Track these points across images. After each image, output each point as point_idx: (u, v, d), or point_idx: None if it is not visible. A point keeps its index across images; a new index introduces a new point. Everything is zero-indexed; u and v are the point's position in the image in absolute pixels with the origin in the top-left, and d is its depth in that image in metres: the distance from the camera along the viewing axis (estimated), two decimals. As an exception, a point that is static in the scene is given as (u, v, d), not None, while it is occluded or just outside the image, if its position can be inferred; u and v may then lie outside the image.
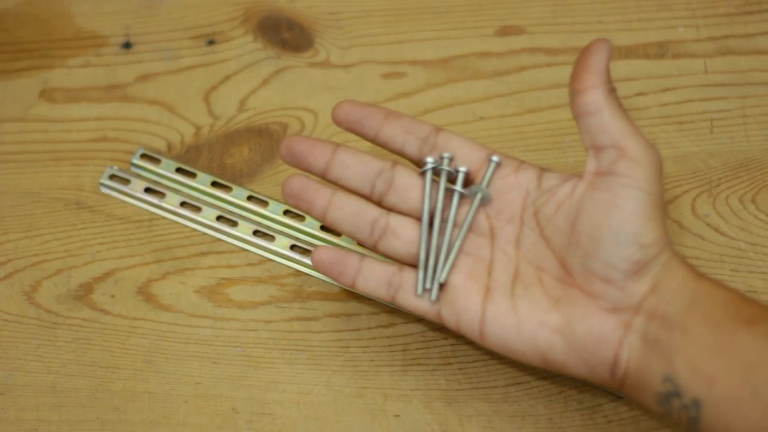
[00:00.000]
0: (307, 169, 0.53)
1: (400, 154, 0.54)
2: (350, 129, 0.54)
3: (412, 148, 0.53)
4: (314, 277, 0.60)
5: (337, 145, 0.53)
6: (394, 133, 0.53)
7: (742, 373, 0.44)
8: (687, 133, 0.64)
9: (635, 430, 0.55)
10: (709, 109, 0.64)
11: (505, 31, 0.67)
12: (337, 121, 0.53)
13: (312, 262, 0.53)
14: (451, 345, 0.58)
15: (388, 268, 0.52)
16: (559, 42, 0.67)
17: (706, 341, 0.46)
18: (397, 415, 0.56)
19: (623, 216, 0.48)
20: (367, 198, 0.53)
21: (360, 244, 0.56)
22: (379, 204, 0.53)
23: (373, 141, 0.54)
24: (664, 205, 0.49)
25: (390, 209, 0.53)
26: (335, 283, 0.59)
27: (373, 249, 0.53)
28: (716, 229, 0.60)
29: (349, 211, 0.53)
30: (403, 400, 0.57)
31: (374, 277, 0.52)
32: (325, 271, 0.52)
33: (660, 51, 0.66)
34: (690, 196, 0.61)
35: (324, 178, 0.53)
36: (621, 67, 0.65)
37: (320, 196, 0.53)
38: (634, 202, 0.48)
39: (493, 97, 0.65)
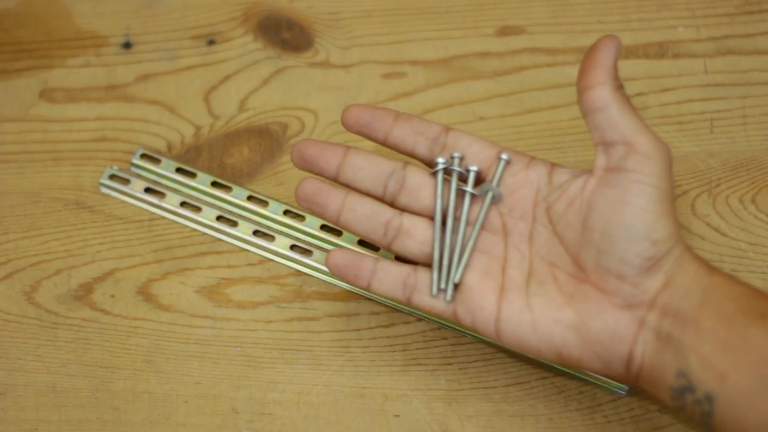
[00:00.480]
0: (318, 173, 0.54)
1: (411, 155, 0.54)
2: (360, 133, 0.54)
3: (422, 148, 0.54)
4: (314, 277, 0.60)
5: (348, 147, 0.54)
6: (404, 134, 0.54)
7: (754, 369, 0.45)
8: (687, 133, 0.64)
9: (635, 429, 0.55)
10: (709, 109, 0.64)
11: (505, 31, 0.67)
12: (346, 126, 0.54)
13: (327, 265, 0.53)
14: (451, 345, 0.58)
15: (403, 269, 0.53)
16: (559, 42, 0.67)
17: (719, 336, 0.46)
18: (397, 415, 0.56)
19: (634, 212, 0.48)
20: (380, 199, 0.54)
21: (374, 245, 0.57)
22: (392, 205, 0.54)
23: (384, 143, 0.54)
24: (674, 200, 0.49)
25: (403, 209, 0.54)
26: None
27: (388, 249, 0.54)
28: (716, 229, 0.60)
29: (362, 212, 0.53)
30: (403, 400, 0.57)
31: (389, 278, 0.52)
32: (340, 274, 0.53)
33: (660, 51, 0.66)
34: (690, 196, 0.61)
35: (336, 180, 0.54)
36: (621, 67, 0.65)
37: (333, 198, 0.53)
38: (644, 197, 0.48)
39: (493, 97, 0.65)
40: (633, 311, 0.48)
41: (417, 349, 0.58)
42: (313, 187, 0.53)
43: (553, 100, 0.65)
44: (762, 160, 0.62)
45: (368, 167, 0.53)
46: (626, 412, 0.56)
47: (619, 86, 0.50)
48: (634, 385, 0.53)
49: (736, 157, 0.63)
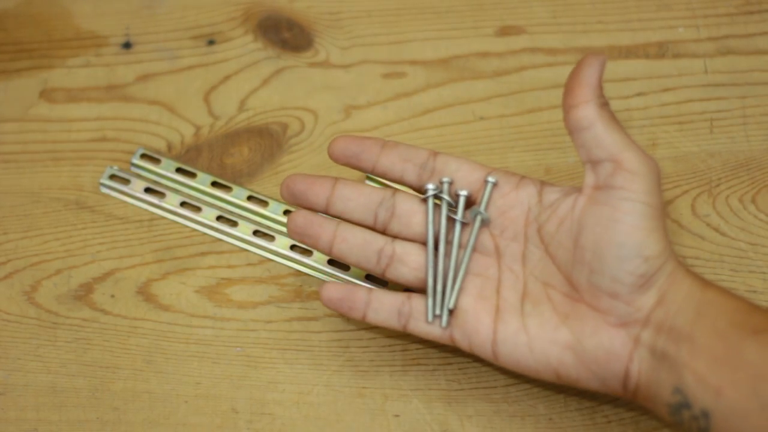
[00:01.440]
0: (308, 207, 0.54)
1: (400, 182, 0.54)
2: (348, 164, 0.54)
3: (411, 175, 0.54)
4: (314, 277, 0.60)
5: (336, 179, 0.54)
6: (392, 162, 0.54)
7: (750, 385, 0.45)
8: (687, 133, 0.64)
9: (635, 430, 0.55)
10: (709, 109, 0.64)
11: (505, 31, 0.67)
12: (333, 158, 0.54)
13: (321, 299, 0.53)
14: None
15: (397, 298, 0.53)
16: (559, 42, 0.67)
17: (714, 352, 0.46)
18: (397, 415, 0.56)
19: (625, 230, 0.48)
20: (371, 228, 0.54)
21: (368, 273, 0.57)
22: (383, 232, 0.54)
23: (372, 173, 0.55)
24: (664, 216, 0.49)
25: (394, 237, 0.54)
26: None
27: (382, 277, 0.54)
28: (716, 229, 0.60)
29: (354, 242, 0.53)
30: (403, 400, 0.57)
31: (384, 308, 0.53)
32: (334, 307, 0.53)
33: (660, 51, 0.66)
34: (690, 196, 0.61)
35: (327, 213, 0.54)
36: (621, 67, 0.65)
37: (325, 230, 0.53)
38: (634, 215, 0.48)
39: (493, 97, 0.65)
40: (628, 329, 0.48)
41: (417, 349, 0.58)
42: (304, 219, 0.53)
43: (553, 100, 0.65)
44: (762, 160, 0.62)
45: (357, 197, 0.54)
46: (626, 412, 0.56)
47: (604, 104, 0.49)
48: (631, 403, 0.53)
49: (736, 157, 0.63)
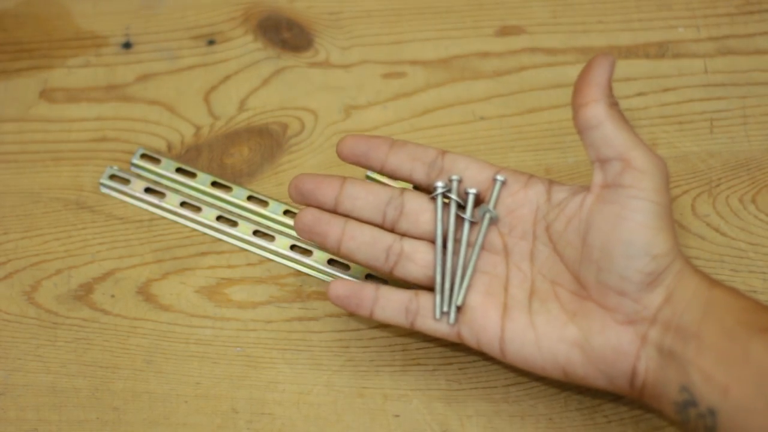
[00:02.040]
0: (317, 206, 0.54)
1: (409, 181, 0.55)
2: (356, 163, 0.54)
3: (420, 174, 0.54)
4: (314, 277, 0.60)
5: (344, 178, 0.54)
6: (401, 161, 0.54)
7: (756, 383, 0.45)
8: (687, 133, 0.64)
9: (635, 430, 0.55)
10: (709, 109, 0.64)
11: (505, 31, 0.67)
12: (342, 157, 0.54)
13: (328, 297, 0.53)
14: (451, 345, 0.58)
15: (404, 295, 0.53)
16: (559, 42, 0.67)
17: (721, 351, 0.46)
18: (397, 415, 0.56)
19: (633, 228, 0.48)
20: (380, 227, 0.54)
21: (376, 271, 0.57)
22: (392, 231, 0.54)
23: (381, 172, 0.55)
24: (672, 214, 0.49)
25: (403, 235, 0.54)
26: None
27: (390, 276, 0.54)
28: (716, 229, 0.60)
29: (362, 240, 0.53)
30: (403, 400, 0.57)
31: (391, 305, 0.53)
32: (342, 304, 0.53)
33: (660, 51, 0.66)
34: (690, 196, 0.61)
35: (335, 212, 0.54)
36: (621, 67, 0.65)
37: (333, 227, 0.53)
38: (642, 213, 0.48)
39: (493, 97, 0.65)
40: (635, 327, 0.49)
41: (417, 349, 0.58)
42: (312, 217, 0.54)
43: (553, 100, 0.65)
44: (762, 160, 0.62)
45: (366, 196, 0.54)
46: (626, 412, 0.56)
47: (613, 103, 0.50)
48: (638, 401, 0.53)
49: (736, 157, 0.63)
